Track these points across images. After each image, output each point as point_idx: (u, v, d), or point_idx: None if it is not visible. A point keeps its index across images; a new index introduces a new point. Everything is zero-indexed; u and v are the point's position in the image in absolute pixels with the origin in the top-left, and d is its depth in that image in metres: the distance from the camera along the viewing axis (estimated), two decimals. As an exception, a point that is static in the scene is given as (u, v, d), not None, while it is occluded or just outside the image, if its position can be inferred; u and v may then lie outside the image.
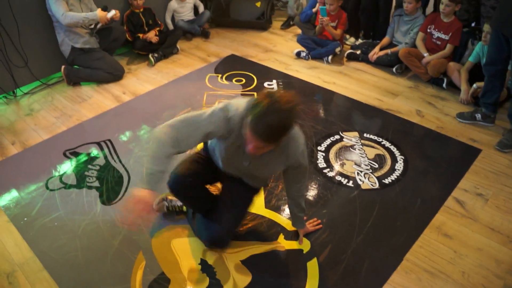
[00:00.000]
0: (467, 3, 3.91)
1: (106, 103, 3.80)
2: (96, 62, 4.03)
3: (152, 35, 4.50)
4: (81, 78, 4.11)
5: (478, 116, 3.32)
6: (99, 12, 3.82)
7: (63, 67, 4.06)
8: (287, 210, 2.56)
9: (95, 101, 3.85)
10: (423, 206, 2.59)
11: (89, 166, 3.00)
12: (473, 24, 4.10)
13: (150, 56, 4.46)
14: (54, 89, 4.10)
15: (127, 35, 4.50)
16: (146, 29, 4.58)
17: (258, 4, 5.25)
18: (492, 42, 3.06)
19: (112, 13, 3.95)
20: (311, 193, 2.71)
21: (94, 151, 3.15)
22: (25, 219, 2.58)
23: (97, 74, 4.06)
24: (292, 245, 2.36)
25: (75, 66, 4.12)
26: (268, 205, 2.62)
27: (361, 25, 4.73)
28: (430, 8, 5.02)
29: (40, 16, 3.89)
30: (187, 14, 5.09)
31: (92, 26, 4.03)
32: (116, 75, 4.12)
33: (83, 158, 3.09)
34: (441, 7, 3.75)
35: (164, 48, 4.56)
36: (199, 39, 5.10)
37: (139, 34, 4.50)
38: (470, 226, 2.45)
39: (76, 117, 3.63)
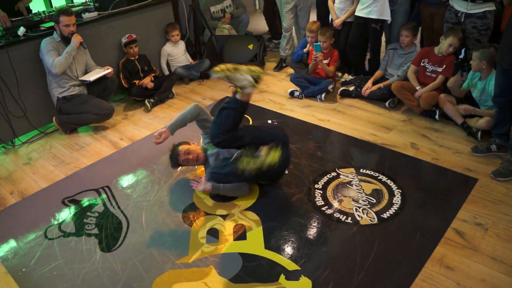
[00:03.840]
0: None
1: (104, 149, 3.84)
2: (80, 107, 4.07)
3: (147, 81, 4.59)
4: (73, 124, 4.16)
5: (494, 147, 3.34)
6: (72, 42, 3.92)
7: (54, 118, 4.13)
8: (287, 250, 2.55)
9: (93, 148, 3.88)
10: (423, 239, 2.58)
11: (88, 213, 3.00)
12: (460, 56, 4.20)
13: (146, 101, 4.53)
14: (52, 137, 4.15)
15: (123, 82, 4.59)
16: (142, 75, 4.68)
17: (251, 46, 5.38)
18: (499, 75, 3.13)
19: (107, 71, 4.09)
20: (311, 231, 2.70)
21: (93, 198, 3.16)
22: (23, 269, 2.56)
23: (85, 117, 4.10)
24: (293, 285, 2.34)
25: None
26: (267, 245, 2.60)
27: (351, 62, 4.84)
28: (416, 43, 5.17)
29: (38, 68, 3.99)
30: (180, 56, 5.20)
31: (84, 79, 4.11)
32: (103, 115, 4.11)
33: (81, 205, 3.10)
34: (449, 49, 3.84)
35: (160, 93, 4.64)
36: (195, 83, 5.19)
37: (135, 81, 4.59)
38: (472, 257, 2.44)
39: (74, 164, 3.66)
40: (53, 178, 3.48)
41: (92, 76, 4.09)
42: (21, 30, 3.91)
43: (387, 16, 4.28)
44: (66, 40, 3.93)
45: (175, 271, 2.47)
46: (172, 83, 4.81)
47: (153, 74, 4.76)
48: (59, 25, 3.88)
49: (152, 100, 4.55)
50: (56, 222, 2.94)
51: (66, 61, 3.88)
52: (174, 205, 3.03)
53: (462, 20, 3.86)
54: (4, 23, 3.93)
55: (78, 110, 4.08)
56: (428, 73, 4.01)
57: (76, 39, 3.91)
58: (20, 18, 4.22)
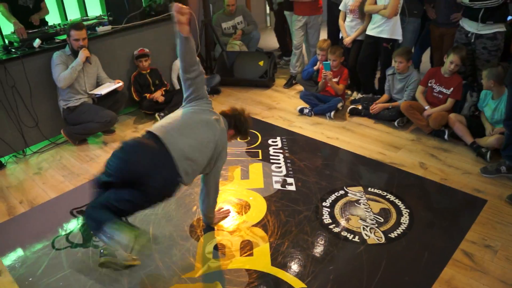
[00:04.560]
0: (464, 57, 4.04)
1: (113, 161, 3.86)
2: (83, 116, 4.11)
3: (158, 95, 4.63)
4: (80, 135, 4.20)
5: (503, 168, 3.33)
6: (79, 57, 3.96)
7: (62, 129, 4.18)
8: (293, 267, 2.55)
9: (103, 159, 3.91)
10: (430, 260, 2.56)
11: (96, 225, 3.01)
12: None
13: (156, 115, 4.57)
14: (62, 148, 4.19)
15: (134, 95, 4.64)
16: (153, 89, 4.72)
17: (261, 63, 5.42)
18: (509, 98, 3.14)
19: (118, 85, 4.14)
20: (317, 249, 2.69)
21: (101, 210, 3.17)
22: (30, 279, 2.57)
23: (89, 126, 4.14)
24: (299, 302, 2.33)
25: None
26: (274, 262, 2.60)
27: (360, 80, 4.86)
28: (425, 64, 5.20)
29: (50, 79, 4.05)
30: (192, 72, 5.24)
31: (94, 93, 4.17)
32: (105, 122, 4.13)
33: (89, 216, 3.11)
34: (450, 66, 3.84)
35: (170, 107, 4.67)
36: (204, 97, 5.22)
37: (146, 94, 4.64)
38: (481, 280, 2.41)
39: (83, 176, 3.68)
40: (62, 189, 3.51)
41: (102, 90, 4.14)
42: (37, 42, 3.99)
43: (398, 36, 4.31)
44: (76, 54, 4.00)
45: (181, 285, 2.47)
46: (182, 97, 4.83)
47: (164, 88, 4.80)
48: (70, 38, 3.95)
49: (162, 114, 4.58)
50: (64, 233, 2.96)
51: (70, 75, 3.94)
52: (182, 219, 3.03)
53: (473, 40, 3.88)
54: (21, 35, 4.01)
55: (81, 119, 4.13)
56: (435, 94, 4.02)
57: (82, 54, 3.96)
58: (36, 30, 4.30)
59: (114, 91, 4.26)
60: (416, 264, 2.54)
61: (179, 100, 4.71)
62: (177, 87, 5.19)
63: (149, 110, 4.67)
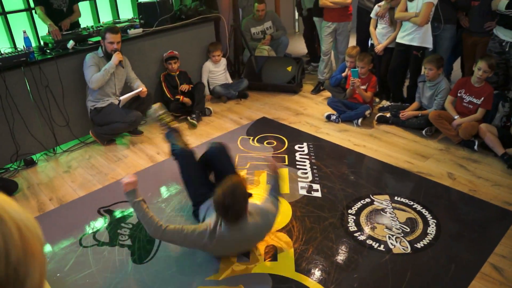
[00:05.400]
0: (496, 66, 3.95)
1: (141, 162, 3.92)
2: (109, 117, 4.19)
3: (185, 87, 4.73)
4: (107, 135, 4.28)
5: None
6: (112, 60, 4.04)
7: (90, 130, 4.28)
8: (317, 274, 2.53)
9: (130, 160, 3.98)
10: (457, 273, 2.51)
11: (122, 224, 3.06)
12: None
13: (189, 119, 4.62)
14: (92, 147, 4.27)
15: (167, 93, 4.71)
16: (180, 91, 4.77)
17: (289, 68, 5.43)
18: None
19: (139, 90, 4.20)
20: (342, 256, 2.67)
21: (127, 210, 3.22)
22: (58, 274, 2.63)
23: (116, 126, 4.22)
24: (322, 309, 2.31)
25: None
26: (298, 268, 2.59)
27: (390, 88, 4.82)
28: (456, 72, 5.12)
29: (82, 80, 4.15)
30: (221, 74, 5.30)
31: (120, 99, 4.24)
32: (130, 122, 4.20)
33: (116, 216, 3.17)
34: (478, 73, 3.78)
35: (196, 105, 4.72)
36: (232, 102, 5.27)
37: (178, 96, 4.70)
38: (509, 295, 2.36)
39: (111, 175, 3.75)
40: (91, 188, 3.58)
41: (125, 96, 4.21)
42: (70, 43, 4.09)
43: (429, 44, 4.25)
44: (108, 56, 4.09)
45: (205, 287, 2.49)
46: (202, 90, 4.89)
47: (190, 86, 4.85)
48: (104, 41, 4.04)
49: (194, 115, 4.62)
50: (91, 231, 3.02)
51: (103, 77, 4.02)
52: (207, 221, 3.05)
53: (507, 49, 3.81)
54: (56, 36, 4.12)
55: (107, 120, 4.20)
56: (465, 104, 3.94)
57: (116, 58, 4.04)
58: (70, 32, 4.42)
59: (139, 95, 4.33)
60: (443, 276, 2.49)
61: (200, 96, 4.80)
62: (207, 89, 5.24)
63: (176, 112, 4.73)
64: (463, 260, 2.61)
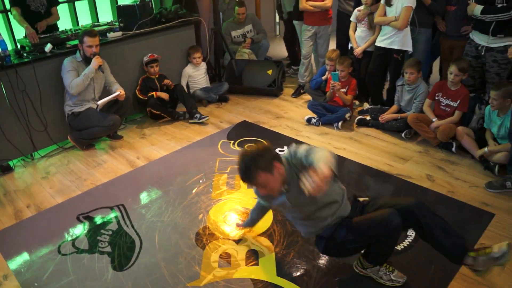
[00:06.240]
0: (472, 70, 4.02)
1: (120, 167, 3.88)
2: (87, 121, 4.14)
3: (163, 94, 4.74)
4: (86, 140, 4.23)
5: (509, 184, 3.29)
6: (92, 64, 4.00)
7: (68, 135, 4.23)
8: (299, 278, 2.53)
9: (110, 165, 3.93)
10: (437, 273, 2.54)
11: (102, 231, 3.02)
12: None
13: (198, 121, 4.73)
14: (70, 153, 4.21)
15: (138, 95, 4.71)
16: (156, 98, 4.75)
17: (270, 71, 5.44)
18: None
19: (117, 93, 4.17)
20: (323, 260, 2.68)
21: (107, 216, 3.19)
22: (36, 284, 2.58)
23: (94, 131, 4.17)
24: (304, 314, 2.31)
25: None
26: (280, 272, 2.59)
27: (369, 91, 4.86)
28: (435, 76, 5.19)
29: (60, 84, 4.08)
30: (201, 79, 5.29)
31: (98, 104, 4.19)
32: (108, 126, 4.15)
33: (96, 222, 3.13)
34: (450, 77, 3.85)
35: (189, 106, 4.80)
36: (213, 105, 5.25)
37: (152, 93, 4.69)
38: (487, 295, 2.40)
39: (90, 181, 3.70)
40: (69, 194, 3.53)
41: (102, 100, 4.16)
42: (48, 47, 4.03)
43: (408, 47, 4.30)
44: (87, 60, 4.03)
45: (186, 293, 2.47)
46: (183, 92, 4.89)
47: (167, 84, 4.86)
48: (83, 45, 3.99)
49: (197, 116, 4.74)
50: (70, 238, 2.97)
51: (83, 82, 3.98)
52: (188, 227, 3.04)
53: (483, 53, 3.87)
54: (33, 39, 4.05)
55: (85, 124, 4.15)
56: (443, 107, 4.00)
57: (95, 62, 4.00)
58: (48, 35, 4.34)
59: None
60: (423, 277, 2.52)
61: (186, 97, 4.80)
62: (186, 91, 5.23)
63: (154, 109, 4.72)
64: (442, 261, 2.61)
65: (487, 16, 3.70)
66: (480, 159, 3.66)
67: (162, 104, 4.75)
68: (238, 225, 2.97)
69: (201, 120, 4.70)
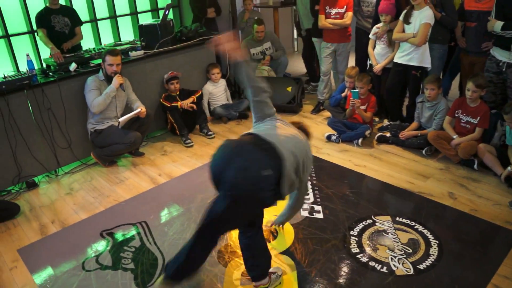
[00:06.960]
0: (493, 86, 4.00)
1: (142, 184, 3.93)
2: (109, 138, 4.21)
3: (187, 102, 4.77)
4: (108, 156, 4.31)
5: None
6: (113, 83, 4.09)
7: (91, 152, 4.31)
8: (320, 296, 2.53)
9: (132, 182, 3.99)
10: (461, 294, 2.51)
11: (125, 248, 3.06)
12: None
13: (207, 137, 4.82)
14: (93, 169, 4.29)
15: (164, 103, 4.75)
16: (181, 110, 4.79)
17: (289, 88, 5.47)
18: None
19: (137, 111, 4.24)
20: (344, 279, 2.67)
21: (130, 233, 3.23)
22: (61, 300, 2.62)
23: (116, 148, 4.24)
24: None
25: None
26: (301, 290, 2.59)
27: (388, 108, 4.85)
28: (454, 91, 5.16)
29: (84, 102, 4.18)
30: (221, 95, 5.35)
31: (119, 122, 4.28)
32: (129, 143, 4.21)
33: (119, 239, 3.17)
34: (468, 93, 3.84)
35: (200, 119, 4.90)
36: (233, 122, 5.30)
37: (177, 103, 4.75)
38: (513, 317, 2.36)
39: (113, 197, 3.76)
40: (93, 210, 3.59)
41: (123, 117, 4.25)
42: (73, 66, 4.13)
43: (427, 64, 4.30)
44: (109, 79, 4.13)
45: (208, 311, 2.48)
46: (200, 108, 4.97)
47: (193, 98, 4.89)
48: (105, 63, 4.09)
49: (205, 131, 4.88)
50: (93, 254, 3.01)
51: (104, 101, 4.07)
52: (209, 243, 3.05)
53: (504, 69, 3.85)
54: (58, 59, 4.16)
55: (107, 142, 4.23)
56: (463, 124, 3.98)
57: (116, 81, 4.08)
58: (72, 54, 4.47)
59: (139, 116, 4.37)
60: (446, 298, 2.49)
61: (200, 110, 4.88)
62: (207, 112, 5.29)
63: (177, 123, 4.78)
64: (466, 281, 2.61)
65: (508, 32, 3.69)
66: (505, 180, 3.61)
67: (184, 114, 4.80)
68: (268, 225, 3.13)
69: (207, 136, 4.83)
